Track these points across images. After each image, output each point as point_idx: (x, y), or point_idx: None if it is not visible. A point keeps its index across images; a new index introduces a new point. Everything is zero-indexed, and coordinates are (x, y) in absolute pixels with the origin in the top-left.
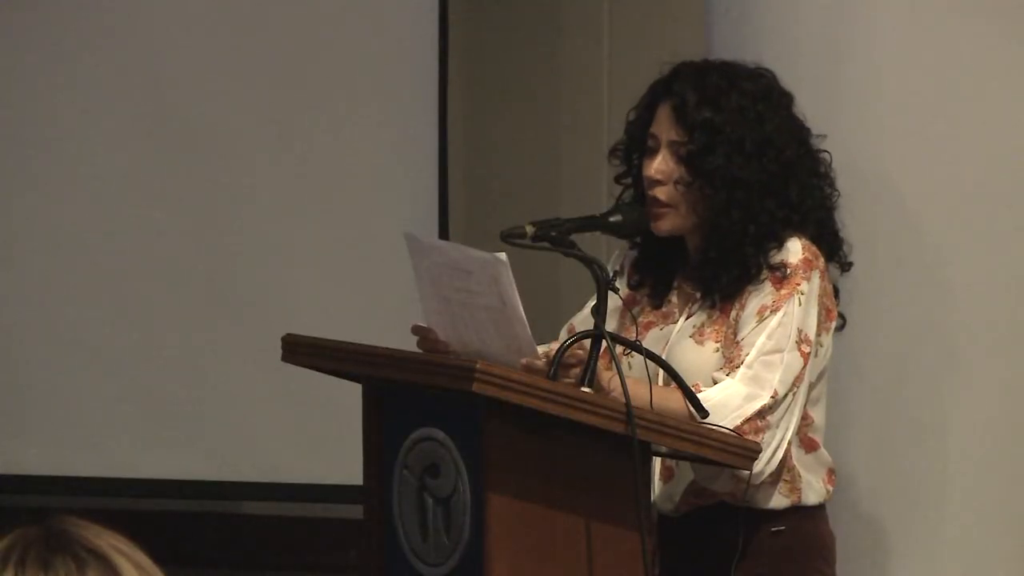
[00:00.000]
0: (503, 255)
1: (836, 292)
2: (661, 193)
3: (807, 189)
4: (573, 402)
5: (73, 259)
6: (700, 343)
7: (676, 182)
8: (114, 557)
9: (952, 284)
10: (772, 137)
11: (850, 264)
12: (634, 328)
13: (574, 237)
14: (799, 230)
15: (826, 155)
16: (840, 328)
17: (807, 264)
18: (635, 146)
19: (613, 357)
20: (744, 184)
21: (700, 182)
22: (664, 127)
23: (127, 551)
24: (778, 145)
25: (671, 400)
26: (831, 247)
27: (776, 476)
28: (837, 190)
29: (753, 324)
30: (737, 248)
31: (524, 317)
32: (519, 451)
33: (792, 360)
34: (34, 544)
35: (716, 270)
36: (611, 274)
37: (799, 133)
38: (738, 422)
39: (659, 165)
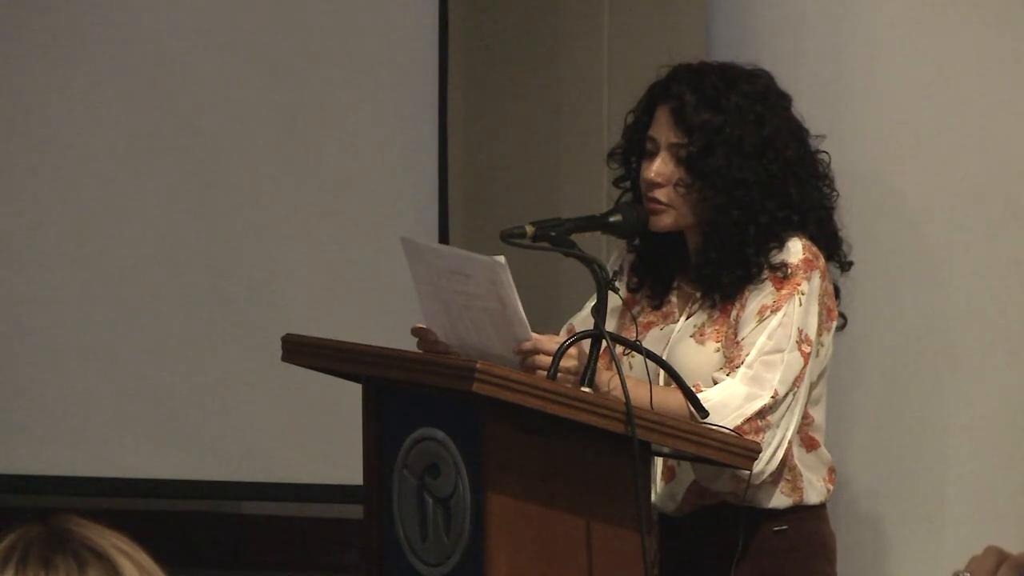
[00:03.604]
0: (501, 258)
1: (837, 292)
2: (661, 195)
3: (807, 189)
4: (573, 402)
5: (73, 259)
6: (701, 343)
7: (676, 184)
8: (115, 556)
9: (952, 284)
10: (771, 137)
11: (850, 264)
12: (634, 328)
13: (574, 237)
14: (799, 230)
15: (825, 156)
16: (841, 328)
17: (808, 264)
18: (633, 149)
19: (613, 357)
20: (744, 184)
21: (700, 183)
22: (663, 130)
23: (129, 551)
24: (778, 146)
25: (671, 400)
26: (831, 247)
27: (777, 475)
28: (836, 190)
29: (753, 324)
30: (738, 248)
31: (524, 318)
32: (519, 451)
33: (793, 360)
34: (35, 543)
35: (717, 270)
36: (611, 274)
37: (798, 133)
38: (738, 422)
39: (658, 168)
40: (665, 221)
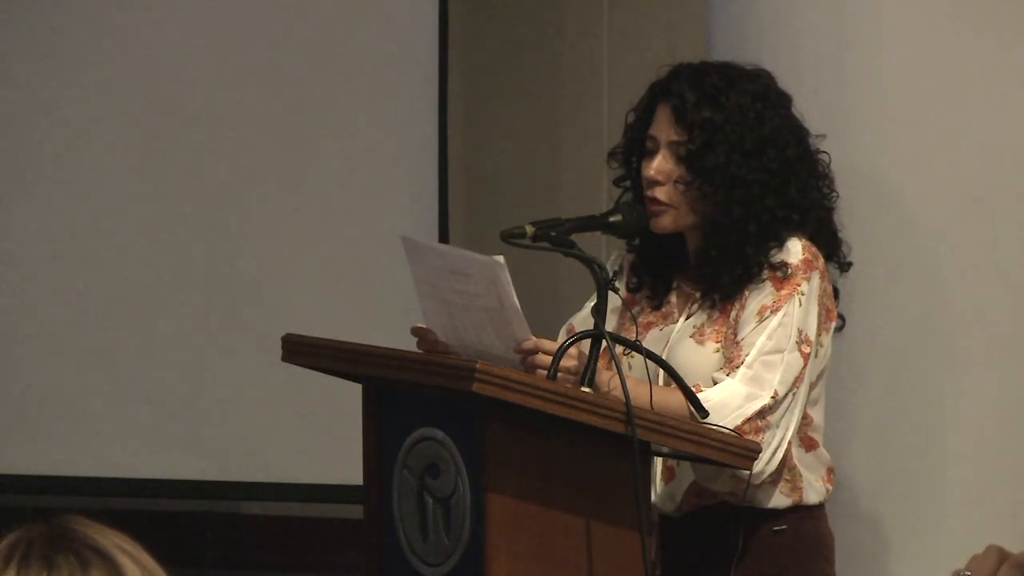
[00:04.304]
0: (500, 258)
1: (836, 293)
2: (661, 193)
3: (807, 188)
4: (573, 402)
5: (73, 259)
6: (700, 343)
7: (676, 181)
8: (118, 556)
9: (951, 284)
10: (772, 136)
11: (849, 264)
12: (634, 328)
13: (574, 237)
14: (799, 229)
15: (825, 156)
16: (840, 329)
17: (807, 264)
18: (634, 148)
19: (613, 357)
20: (744, 183)
21: (700, 181)
22: (663, 128)
23: (131, 551)
24: (778, 144)
25: (671, 400)
26: (830, 247)
27: (777, 476)
28: (836, 191)
29: (753, 324)
30: (738, 247)
31: (523, 318)
32: (519, 451)
33: (792, 360)
34: (37, 542)
35: (717, 269)
36: (611, 274)
37: (798, 133)
38: (738, 422)
39: (659, 165)
40: (666, 222)
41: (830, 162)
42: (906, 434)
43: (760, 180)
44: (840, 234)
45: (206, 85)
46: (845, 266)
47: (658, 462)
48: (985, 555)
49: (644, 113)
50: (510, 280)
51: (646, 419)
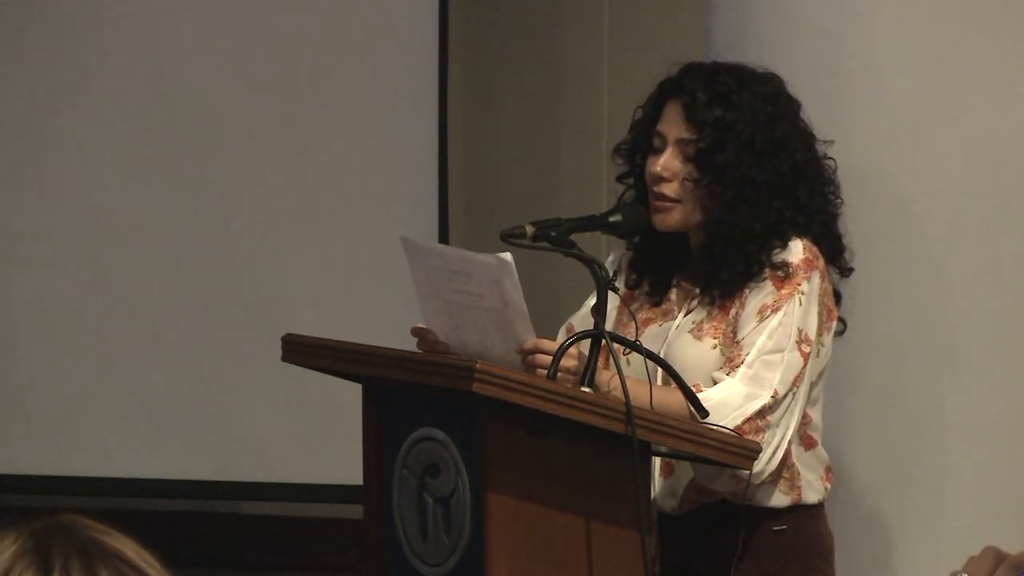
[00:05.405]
0: (508, 255)
1: (838, 296)
2: (668, 189)
3: (814, 192)
4: (573, 402)
5: (73, 259)
6: (698, 339)
7: (684, 179)
8: (150, 572)
9: (951, 285)
10: (782, 139)
11: (851, 270)
12: (633, 327)
13: (574, 237)
14: (803, 231)
15: (831, 162)
16: (840, 332)
17: (808, 264)
18: (640, 145)
19: (613, 357)
20: (753, 183)
21: (709, 179)
22: (673, 125)
23: (151, 561)
24: (788, 147)
25: (671, 400)
26: (833, 251)
27: (776, 475)
28: (841, 197)
29: (753, 324)
30: (741, 245)
31: (528, 318)
32: (519, 451)
33: (793, 360)
34: (72, 551)
35: (718, 266)
36: (611, 274)
37: (807, 138)
38: (738, 422)
39: (666, 162)
40: (671, 219)
41: (835, 168)
42: (906, 434)
43: (769, 181)
44: (843, 240)
45: (206, 86)
46: (847, 271)
47: (658, 459)
48: (982, 556)
49: (652, 110)
50: (516, 279)
51: (646, 419)
